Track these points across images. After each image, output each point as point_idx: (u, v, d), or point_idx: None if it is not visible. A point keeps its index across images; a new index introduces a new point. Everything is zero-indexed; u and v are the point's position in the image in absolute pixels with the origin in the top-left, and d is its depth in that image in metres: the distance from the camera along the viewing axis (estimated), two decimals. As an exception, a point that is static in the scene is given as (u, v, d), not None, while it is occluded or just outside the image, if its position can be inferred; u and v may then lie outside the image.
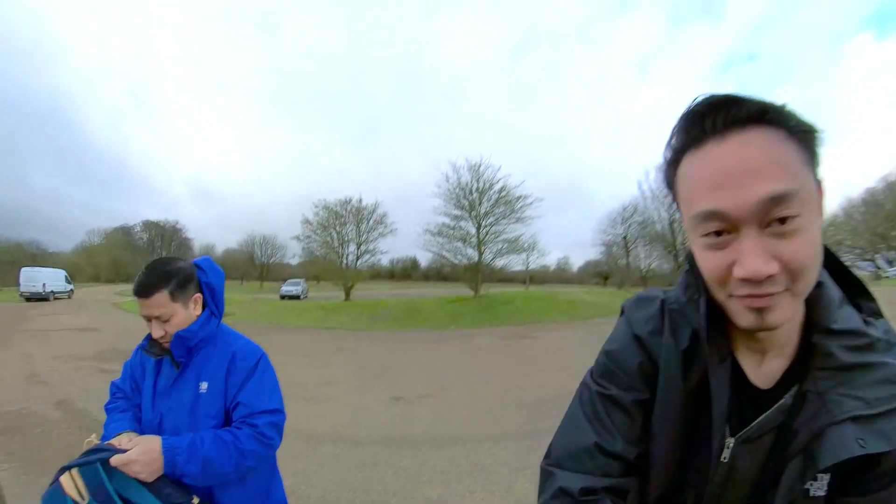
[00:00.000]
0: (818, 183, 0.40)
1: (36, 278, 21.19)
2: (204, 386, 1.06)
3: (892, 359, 0.42)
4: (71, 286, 24.42)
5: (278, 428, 1.07)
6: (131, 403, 1.14)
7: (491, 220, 17.93)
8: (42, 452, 3.25)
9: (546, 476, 0.51)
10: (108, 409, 1.15)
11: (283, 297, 23.55)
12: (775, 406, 0.45)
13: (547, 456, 0.53)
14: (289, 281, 27.75)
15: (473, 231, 18.12)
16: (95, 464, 0.88)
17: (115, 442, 0.94)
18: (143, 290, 1.02)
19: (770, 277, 0.37)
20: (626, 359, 0.51)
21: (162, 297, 1.02)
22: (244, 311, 16.53)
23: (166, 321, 1.04)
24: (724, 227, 0.39)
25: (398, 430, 3.98)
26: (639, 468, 0.49)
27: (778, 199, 0.36)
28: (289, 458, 2.84)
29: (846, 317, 0.44)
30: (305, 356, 8.01)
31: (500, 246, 18.50)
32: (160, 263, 1.07)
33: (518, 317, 13.91)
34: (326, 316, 14.77)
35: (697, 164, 0.39)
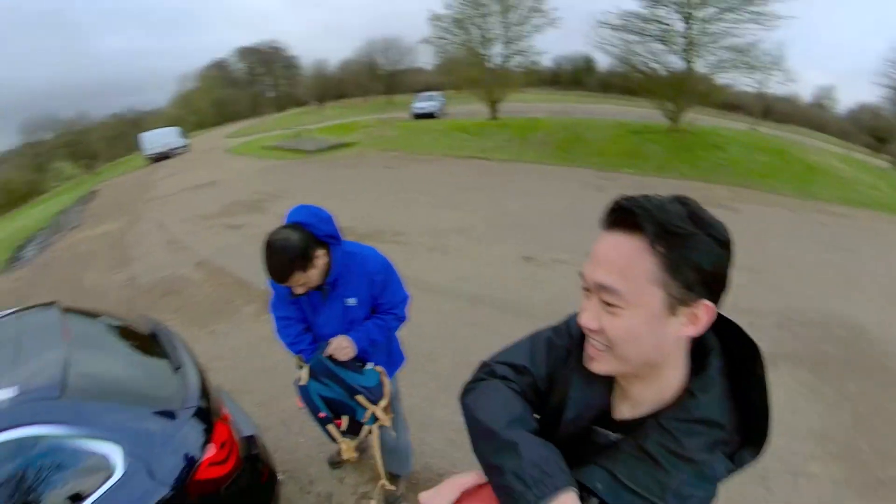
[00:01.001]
0: (674, 297, 0.61)
1: (153, 140, 28.56)
2: (352, 301, 1.84)
3: (710, 462, 0.63)
4: (186, 140, 31.38)
5: (407, 306, 2.00)
6: (301, 325, 1.99)
7: (710, 10, 13.79)
8: (197, 308, 5.08)
9: (482, 365, 0.90)
10: (287, 336, 1.98)
11: (415, 117, 24.82)
12: (601, 432, 0.75)
13: (491, 356, 0.91)
14: (421, 95, 28.21)
15: (681, 27, 14.47)
16: (318, 354, 1.83)
17: (329, 348, 1.84)
18: (280, 278, 1.63)
19: (593, 332, 0.68)
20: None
21: (297, 275, 1.62)
22: (369, 137, 17.51)
23: (305, 284, 1.68)
24: (587, 286, 0.69)
25: (521, 294, 4.73)
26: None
27: (602, 287, 0.64)
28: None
29: (704, 405, 0.66)
30: (437, 195, 9.21)
31: (720, 55, 14.45)
32: (279, 248, 1.58)
33: (726, 172, 11.91)
34: (466, 141, 15.24)
35: (597, 239, 0.70)
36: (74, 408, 1.61)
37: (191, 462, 1.67)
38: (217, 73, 64.90)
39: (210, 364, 2.67)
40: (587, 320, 0.68)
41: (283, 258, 1.58)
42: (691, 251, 0.60)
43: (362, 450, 2.44)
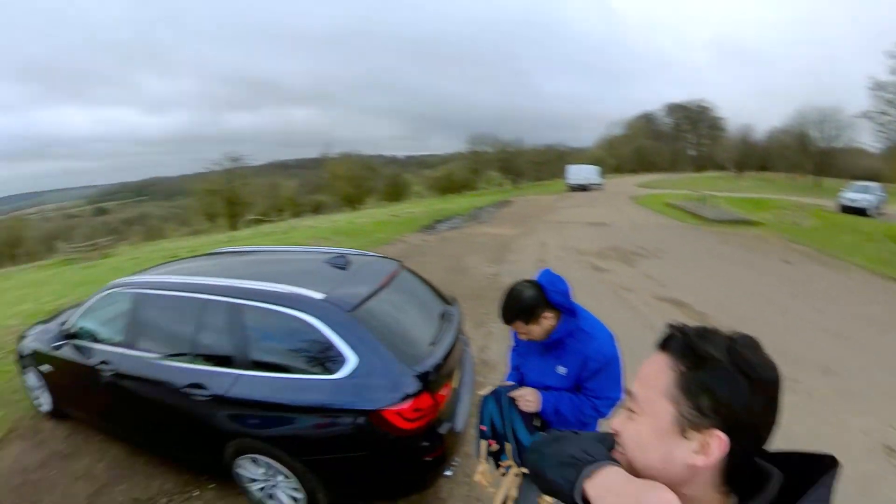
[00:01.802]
0: (684, 417, 0.65)
1: (577, 173, 34.90)
2: (562, 370, 1.91)
3: None
4: (602, 180, 36.82)
5: (615, 408, 1.89)
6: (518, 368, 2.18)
7: None
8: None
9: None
10: (512, 366, 2.23)
11: (842, 209, 21.03)
12: None
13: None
14: (854, 185, 23.56)
15: None
16: (503, 393, 1.99)
17: (514, 393, 1.97)
18: (504, 319, 1.89)
19: (615, 434, 0.75)
20: None
21: (518, 324, 1.86)
22: (779, 221, 15.28)
23: (527, 334, 1.89)
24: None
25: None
26: None
27: (628, 393, 0.74)
28: None
29: None
30: (828, 313, 6.58)
31: None
32: (512, 299, 1.84)
33: None
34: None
35: None
36: (350, 323, 2.46)
37: (387, 402, 2.27)
38: (644, 123, 68.86)
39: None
40: (614, 422, 0.76)
41: (512, 305, 1.83)
42: (708, 376, 0.64)
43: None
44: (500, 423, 1.97)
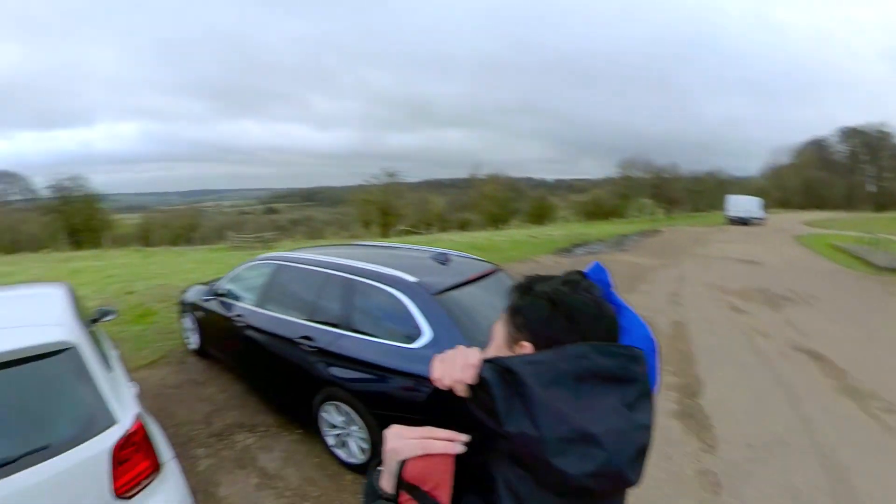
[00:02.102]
0: (509, 334, 0.87)
1: (738, 204, 31.10)
2: None
3: None
4: (765, 214, 32.31)
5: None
6: None
7: None
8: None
9: None
10: None
11: None
12: None
13: None
14: None
15: None
16: None
17: None
18: None
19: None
20: None
21: None
22: None
23: None
24: None
25: None
26: None
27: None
28: None
29: None
30: None
31: None
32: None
33: None
34: None
35: None
36: (432, 303, 2.80)
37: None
38: (813, 151, 60.25)
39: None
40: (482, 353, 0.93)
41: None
42: (524, 303, 0.87)
43: None
44: None
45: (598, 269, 2.05)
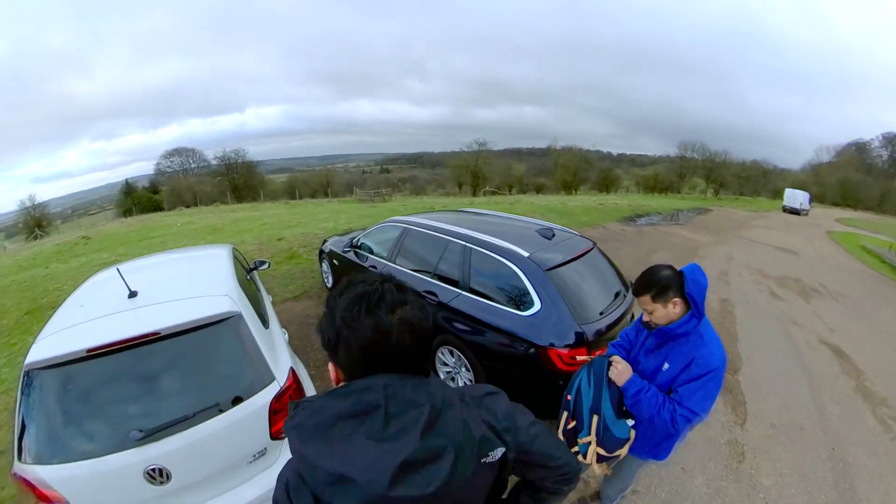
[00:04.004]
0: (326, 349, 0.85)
1: (793, 196, 32.52)
2: (665, 366, 1.66)
3: None
4: (810, 206, 32.89)
5: (690, 425, 1.62)
6: (626, 347, 1.95)
7: None
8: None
9: None
10: (612, 345, 2.00)
11: None
12: None
13: None
14: None
15: None
16: (605, 360, 1.80)
17: (613, 357, 1.80)
18: (634, 292, 1.68)
19: None
20: None
21: (646, 299, 1.63)
22: None
23: (650, 313, 1.65)
24: None
25: None
26: None
27: None
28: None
29: None
30: None
31: None
32: (650, 272, 1.66)
33: None
34: None
35: None
36: (543, 278, 2.76)
37: (554, 343, 2.55)
38: (853, 154, 55.99)
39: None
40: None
41: (647, 277, 1.66)
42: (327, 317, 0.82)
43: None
44: (587, 394, 1.78)
45: (696, 268, 1.67)
